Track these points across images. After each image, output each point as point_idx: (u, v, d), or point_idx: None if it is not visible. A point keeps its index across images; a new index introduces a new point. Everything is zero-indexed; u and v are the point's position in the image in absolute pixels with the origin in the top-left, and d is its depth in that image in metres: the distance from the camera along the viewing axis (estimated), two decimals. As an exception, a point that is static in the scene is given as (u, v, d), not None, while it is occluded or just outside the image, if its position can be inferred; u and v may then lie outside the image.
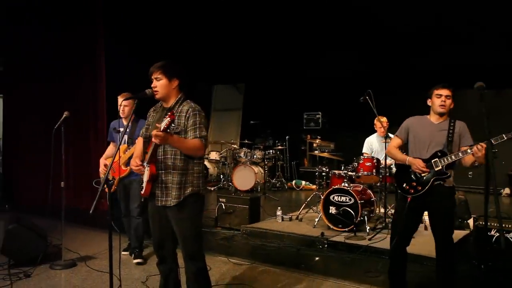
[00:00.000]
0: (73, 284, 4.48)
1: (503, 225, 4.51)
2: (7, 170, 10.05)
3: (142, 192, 3.35)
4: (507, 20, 8.40)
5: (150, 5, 9.38)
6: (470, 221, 5.89)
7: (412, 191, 3.74)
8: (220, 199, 6.71)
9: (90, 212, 3.08)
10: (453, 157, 3.62)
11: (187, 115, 3.28)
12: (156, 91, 3.34)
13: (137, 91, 3.47)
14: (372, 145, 6.93)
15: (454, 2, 8.23)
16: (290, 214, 6.97)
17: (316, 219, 6.32)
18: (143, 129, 3.60)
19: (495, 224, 4.52)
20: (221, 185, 10.64)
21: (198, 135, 3.26)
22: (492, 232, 4.56)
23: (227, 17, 10.13)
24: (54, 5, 8.76)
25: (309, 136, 11.43)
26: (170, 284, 3.55)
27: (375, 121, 6.76)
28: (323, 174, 7.16)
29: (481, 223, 4.72)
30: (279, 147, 11.09)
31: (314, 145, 8.61)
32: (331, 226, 6.01)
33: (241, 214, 6.51)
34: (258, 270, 4.81)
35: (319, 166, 7.46)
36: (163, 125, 2.97)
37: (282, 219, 6.72)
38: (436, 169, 3.67)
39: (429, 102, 3.84)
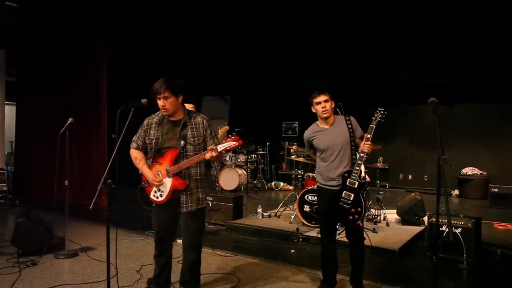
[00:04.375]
0: (75, 272, 4.42)
1: (452, 221, 4.59)
2: (18, 169, 9.99)
3: (161, 199, 3.34)
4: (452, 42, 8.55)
5: (147, 23, 9.35)
6: (425, 218, 5.97)
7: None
8: (207, 197, 6.67)
9: (90, 207, 3.06)
10: (357, 168, 3.50)
11: (204, 126, 3.35)
12: (165, 109, 3.29)
13: (133, 97, 3.44)
14: None
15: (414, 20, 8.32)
16: (270, 211, 6.97)
17: (292, 216, 6.33)
18: (138, 141, 3.47)
19: (445, 221, 4.59)
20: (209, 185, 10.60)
21: (217, 143, 3.32)
22: (443, 228, 4.63)
23: (215, 35, 10.15)
24: (60, 23, 8.67)
25: (287, 142, 11.40)
26: (165, 272, 3.56)
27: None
28: (299, 176, 7.16)
29: (433, 220, 4.80)
30: (261, 152, 11.11)
31: (291, 150, 8.56)
32: (306, 222, 6.02)
33: (226, 211, 6.49)
34: (240, 261, 4.81)
35: (296, 169, 7.46)
36: (224, 146, 3.07)
37: (262, 216, 6.71)
38: (356, 186, 3.52)
39: (313, 110, 3.77)
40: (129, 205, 7.46)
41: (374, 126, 3.49)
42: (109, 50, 8.22)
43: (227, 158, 10.18)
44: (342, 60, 10.38)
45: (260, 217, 6.69)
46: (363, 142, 3.50)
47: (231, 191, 9.46)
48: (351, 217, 3.53)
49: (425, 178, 10.53)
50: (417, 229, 5.90)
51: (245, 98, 12.76)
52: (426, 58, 9.49)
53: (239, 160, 10.19)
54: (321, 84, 10.65)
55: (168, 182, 3.30)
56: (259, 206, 6.89)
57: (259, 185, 10.92)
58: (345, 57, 10.26)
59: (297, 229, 5.75)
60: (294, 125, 12.38)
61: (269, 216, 6.76)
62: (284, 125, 12.52)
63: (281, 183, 11.11)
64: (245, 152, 10.83)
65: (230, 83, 12.68)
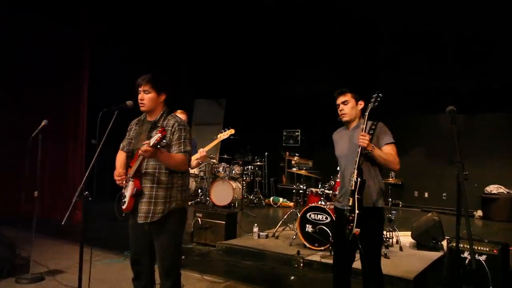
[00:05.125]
0: (40, 298, 4.33)
1: (475, 247, 4.55)
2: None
3: (124, 207, 3.30)
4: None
5: (135, 19, 9.39)
6: (444, 243, 5.93)
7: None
8: (197, 214, 6.62)
9: (63, 223, 3.02)
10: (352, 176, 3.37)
11: (172, 129, 3.29)
12: (143, 103, 3.33)
13: (118, 99, 3.44)
14: None
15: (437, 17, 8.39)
16: (267, 231, 6.91)
17: (293, 237, 6.28)
18: (124, 143, 3.57)
19: (467, 246, 4.55)
20: (199, 199, 10.52)
21: (182, 149, 3.26)
22: (465, 255, 4.59)
23: (209, 31, 10.18)
24: (38, 16, 8.67)
25: (287, 153, 11.47)
26: None
27: None
28: (301, 191, 7.12)
29: (453, 245, 4.75)
30: (258, 163, 11.08)
31: (293, 162, 8.57)
32: (307, 245, 5.97)
33: (218, 230, 6.44)
34: None
35: (297, 184, 7.42)
36: (153, 140, 2.97)
37: (259, 236, 6.66)
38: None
39: None
40: (107, 220, 7.41)
41: (366, 114, 3.40)
42: (93, 47, 8.22)
43: (220, 169, 10.15)
44: (348, 60, 10.42)
45: (256, 238, 6.64)
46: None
47: (224, 207, 9.42)
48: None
49: (444, 196, 10.52)
50: (434, 255, 5.85)
51: (242, 102, 12.80)
52: (443, 61, 9.53)
53: (233, 171, 10.15)
54: (327, 86, 10.72)
55: (130, 186, 3.27)
56: (255, 224, 6.84)
57: (255, 201, 10.88)
58: (351, 58, 10.29)
59: (298, 252, 5.70)
60: (296, 133, 12.39)
61: (266, 236, 6.71)
62: (285, 133, 12.53)
63: (281, 199, 11.08)
64: (240, 163, 10.81)
65: (226, 85, 12.72)
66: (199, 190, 11.03)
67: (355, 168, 3.32)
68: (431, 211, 7.65)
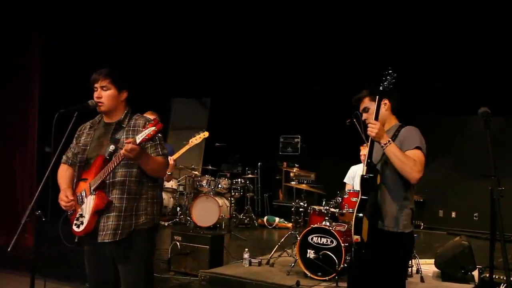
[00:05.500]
0: None
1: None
2: None
3: (82, 228, 3.25)
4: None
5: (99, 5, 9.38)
6: (475, 273, 5.93)
7: None
8: (175, 237, 6.58)
9: (9, 249, 3.00)
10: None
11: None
12: (100, 102, 3.34)
13: (78, 99, 3.43)
14: (355, 176, 6.99)
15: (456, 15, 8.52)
16: (260, 257, 6.90)
17: (291, 265, 6.26)
18: (68, 153, 3.56)
19: (504, 277, 4.55)
20: (177, 219, 10.50)
21: (160, 152, 3.32)
22: (501, 287, 4.59)
23: (191, 18, 10.17)
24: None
25: (285, 163, 11.41)
26: None
27: (361, 148, 6.84)
28: (301, 210, 7.12)
29: (487, 275, 4.76)
30: (249, 176, 11.10)
31: (291, 174, 8.58)
32: (309, 274, 5.95)
33: (200, 256, 6.40)
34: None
35: (296, 200, 7.42)
36: (142, 136, 2.99)
37: (250, 263, 6.64)
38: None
39: None
40: (65, 245, 7.34)
41: (378, 97, 3.34)
42: (45, 42, 8.20)
43: (204, 182, 10.13)
44: (355, 56, 10.44)
45: (247, 265, 6.61)
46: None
47: (208, 228, 9.40)
48: None
49: (475, 216, 10.55)
50: (464, 287, 5.86)
51: (230, 102, 12.82)
52: (472, 54, 9.57)
53: (220, 186, 10.15)
54: (333, 86, 10.75)
55: (90, 202, 3.23)
56: (246, 249, 6.82)
57: (246, 221, 10.87)
58: (359, 54, 10.33)
59: (298, 283, 5.68)
60: (296, 140, 12.40)
61: (260, 263, 6.69)
62: (282, 140, 12.54)
63: (277, 219, 11.07)
64: (228, 175, 10.80)
65: (211, 82, 12.73)
66: (178, 208, 11.01)
67: (364, 165, 3.30)
68: (459, 234, 7.67)
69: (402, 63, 10.03)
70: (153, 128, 2.99)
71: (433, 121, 10.64)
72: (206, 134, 5.95)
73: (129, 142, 3.01)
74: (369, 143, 3.33)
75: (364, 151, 6.75)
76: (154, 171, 3.30)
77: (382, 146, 3.22)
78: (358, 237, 3.24)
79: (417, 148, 3.27)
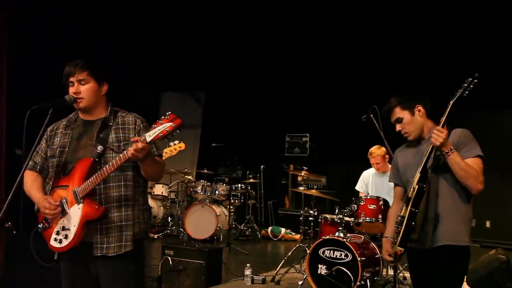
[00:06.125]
0: None
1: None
2: None
3: (65, 243, 3.23)
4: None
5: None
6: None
7: None
8: (167, 251, 6.60)
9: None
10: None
11: (137, 128, 3.35)
12: (80, 98, 3.31)
13: (53, 94, 3.40)
14: (368, 182, 7.00)
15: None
16: (264, 274, 6.93)
17: (300, 282, 6.28)
18: (36, 158, 3.48)
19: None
20: (169, 231, 10.49)
21: (156, 152, 3.33)
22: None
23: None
24: None
25: (292, 166, 11.45)
26: None
27: (370, 151, 6.87)
28: (310, 219, 7.12)
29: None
30: (251, 181, 11.11)
31: (299, 178, 8.55)
32: (320, 293, 5.95)
33: (195, 273, 6.40)
34: None
35: (305, 208, 7.41)
36: (156, 133, 2.96)
37: (253, 281, 6.66)
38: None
39: None
40: (39, 262, 7.33)
41: (451, 102, 3.39)
42: (14, 22, 8.19)
43: (199, 189, 10.12)
44: (374, 45, 10.41)
45: (249, 283, 6.64)
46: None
47: (204, 241, 9.40)
48: None
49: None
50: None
51: (229, 96, 12.82)
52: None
53: (217, 192, 10.14)
54: (346, 78, 10.72)
55: (76, 212, 3.21)
56: (248, 265, 6.83)
57: (247, 232, 10.86)
58: (379, 42, 10.30)
59: (308, 303, 5.68)
60: (304, 139, 12.38)
61: (263, 281, 6.71)
62: (288, 139, 12.52)
63: (283, 230, 11.07)
64: (227, 180, 10.79)
65: (206, 73, 12.71)
66: (170, 218, 11.00)
67: (418, 172, 3.35)
68: (495, 247, 7.63)
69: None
70: (170, 123, 2.94)
71: (466, 115, 10.56)
72: (183, 146, 5.84)
73: (137, 141, 3.00)
74: (428, 150, 3.38)
75: (373, 160, 6.78)
76: (153, 174, 3.35)
77: (443, 154, 3.32)
78: (402, 249, 3.38)
79: (479, 156, 3.46)
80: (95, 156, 3.25)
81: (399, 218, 3.42)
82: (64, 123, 3.49)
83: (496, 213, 10.69)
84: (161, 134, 2.94)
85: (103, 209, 3.20)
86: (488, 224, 10.86)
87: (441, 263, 3.40)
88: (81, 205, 3.20)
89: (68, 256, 3.32)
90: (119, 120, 3.39)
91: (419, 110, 3.57)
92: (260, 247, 10.11)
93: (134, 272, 3.33)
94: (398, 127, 3.62)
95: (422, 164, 3.36)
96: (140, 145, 2.98)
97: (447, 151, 3.29)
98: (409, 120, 3.57)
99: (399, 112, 3.59)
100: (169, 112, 3.04)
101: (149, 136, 2.96)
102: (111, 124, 3.36)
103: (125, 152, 3.10)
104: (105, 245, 3.21)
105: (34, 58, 9.09)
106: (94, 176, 3.18)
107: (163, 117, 3.04)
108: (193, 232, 9.61)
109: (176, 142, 5.46)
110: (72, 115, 3.51)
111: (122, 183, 3.27)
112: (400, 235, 3.35)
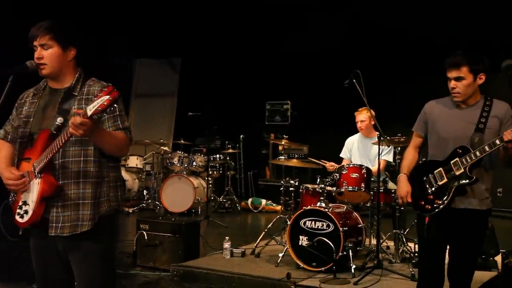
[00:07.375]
0: None
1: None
2: None
3: (27, 218, 3.19)
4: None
5: None
6: (498, 258, 5.98)
7: (429, 207, 3.84)
8: (142, 226, 6.58)
9: None
10: (477, 153, 3.64)
11: None
12: (42, 64, 3.23)
13: (15, 59, 3.31)
14: (352, 147, 7.02)
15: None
16: (243, 247, 6.96)
17: (280, 255, 6.26)
18: (7, 127, 3.45)
19: (531, 262, 4.59)
20: (144, 205, 10.49)
21: (121, 125, 3.24)
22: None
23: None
24: None
25: (273, 135, 11.45)
26: None
27: (355, 114, 6.89)
28: (291, 189, 7.12)
29: (511, 260, 4.79)
30: (230, 151, 11.09)
31: (280, 148, 8.58)
32: (302, 265, 5.97)
33: (172, 248, 6.42)
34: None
35: (286, 179, 7.41)
36: (95, 107, 2.80)
37: (232, 254, 6.65)
38: (457, 172, 3.72)
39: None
40: (7, 239, 7.30)
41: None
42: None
43: (175, 160, 10.09)
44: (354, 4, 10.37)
45: (228, 256, 6.63)
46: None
47: (181, 214, 9.44)
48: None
49: (499, 192, 10.60)
50: (485, 275, 5.88)
51: (206, 62, 12.77)
52: None
53: (194, 163, 10.13)
54: (329, 39, 10.67)
55: (35, 187, 3.17)
56: (227, 238, 6.82)
57: (227, 205, 10.90)
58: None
59: (288, 275, 5.68)
60: (285, 106, 12.39)
61: (243, 254, 6.71)
62: (268, 107, 12.53)
63: (263, 201, 11.12)
64: (204, 150, 10.77)
65: (181, 38, 12.60)
66: (145, 192, 10.99)
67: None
68: (505, 216, 7.69)
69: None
70: (107, 97, 2.81)
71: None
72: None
73: (79, 114, 2.87)
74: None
75: (360, 117, 6.80)
76: (113, 150, 3.23)
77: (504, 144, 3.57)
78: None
79: None
80: (54, 129, 3.18)
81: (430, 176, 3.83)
82: (33, 90, 3.43)
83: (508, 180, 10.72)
84: (100, 108, 2.79)
85: (56, 185, 3.15)
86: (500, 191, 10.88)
87: (466, 226, 3.82)
88: (39, 179, 3.15)
89: (36, 233, 3.29)
90: (85, 89, 3.30)
91: (481, 78, 3.72)
92: (240, 220, 10.15)
93: (102, 252, 3.29)
94: (453, 84, 3.74)
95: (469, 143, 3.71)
96: (77, 119, 2.83)
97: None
98: (470, 83, 3.71)
99: (465, 72, 3.70)
100: (109, 84, 2.96)
101: (89, 109, 2.80)
102: (76, 94, 3.28)
103: (68, 127, 2.99)
104: (60, 224, 3.14)
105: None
106: (47, 150, 3.12)
107: (104, 88, 2.94)
108: (170, 206, 9.62)
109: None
110: (41, 83, 3.43)
111: (82, 158, 3.19)
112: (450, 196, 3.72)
